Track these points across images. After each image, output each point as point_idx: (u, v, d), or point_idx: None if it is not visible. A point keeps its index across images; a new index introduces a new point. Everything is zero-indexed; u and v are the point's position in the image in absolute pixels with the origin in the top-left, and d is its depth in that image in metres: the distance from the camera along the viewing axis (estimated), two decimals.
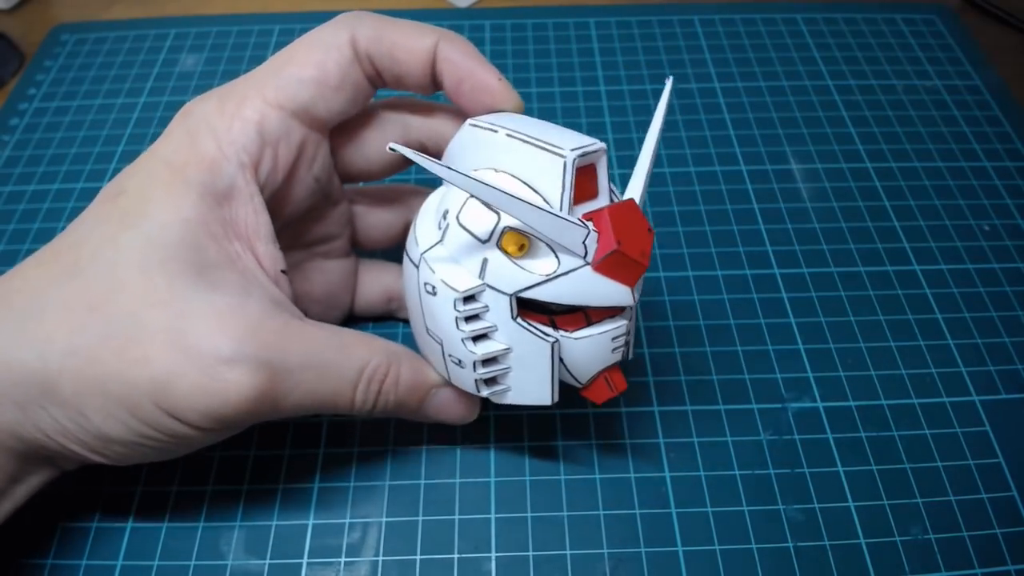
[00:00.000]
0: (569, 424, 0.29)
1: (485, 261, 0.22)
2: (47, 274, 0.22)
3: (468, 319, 0.22)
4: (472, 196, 0.21)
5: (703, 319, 0.32)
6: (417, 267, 0.23)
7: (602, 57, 0.45)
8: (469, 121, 0.24)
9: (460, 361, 0.23)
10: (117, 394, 0.20)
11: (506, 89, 0.25)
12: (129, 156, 0.40)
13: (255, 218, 0.24)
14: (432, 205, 0.25)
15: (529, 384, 0.24)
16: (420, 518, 0.27)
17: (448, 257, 0.22)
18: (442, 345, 0.24)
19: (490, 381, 0.24)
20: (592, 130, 0.40)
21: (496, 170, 0.22)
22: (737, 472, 0.28)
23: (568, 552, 0.26)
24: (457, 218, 0.22)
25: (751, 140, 0.40)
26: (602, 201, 0.22)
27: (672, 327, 0.32)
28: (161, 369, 0.20)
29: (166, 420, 0.21)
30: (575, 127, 0.40)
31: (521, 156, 0.21)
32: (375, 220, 0.31)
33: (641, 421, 0.29)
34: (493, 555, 0.26)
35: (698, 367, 0.31)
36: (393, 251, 0.31)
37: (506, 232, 0.21)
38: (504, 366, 0.23)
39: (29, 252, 0.35)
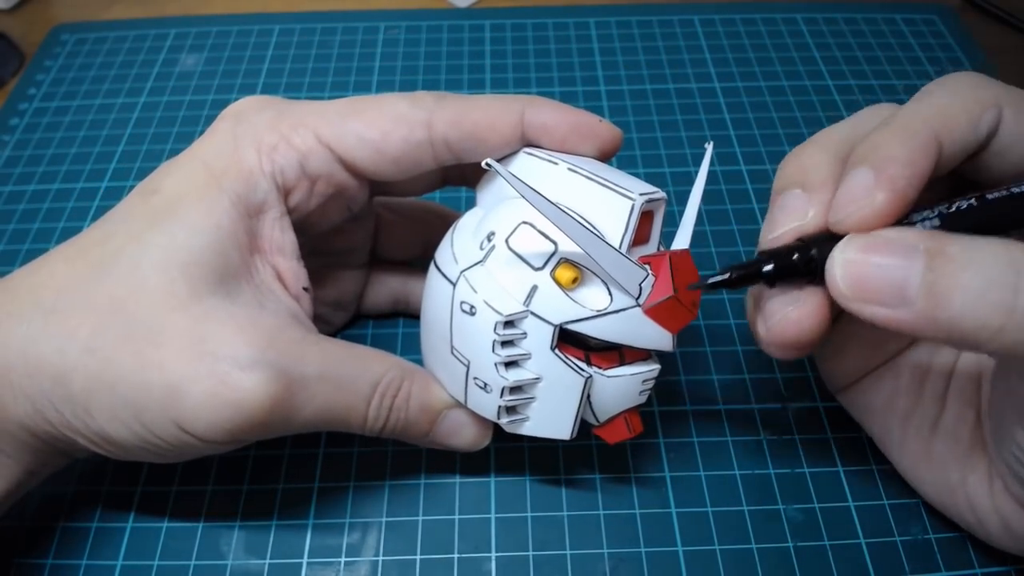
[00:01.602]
0: None
1: (534, 288, 0.21)
2: (73, 270, 0.22)
3: (504, 344, 0.22)
4: (524, 222, 0.21)
5: (703, 319, 0.32)
6: (454, 284, 0.23)
7: (602, 57, 0.45)
8: (525, 149, 0.24)
9: (486, 385, 0.23)
10: (126, 396, 0.20)
11: (609, 128, 0.24)
12: (129, 156, 0.40)
13: (281, 235, 0.24)
14: (470, 223, 0.24)
15: (550, 417, 0.23)
16: (420, 518, 0.27)
17: (490, 278, 0.22)
18: (468, 366, 0.23)
19: (511, 409, 0.23)
20: None
21: (550, 202, 0.22)
22: (737, 472, 0.28)
23: (568, 552, 0.26)
24: (507, 241, 0.22)
25: (751, 140, 0.40)
26: (651, 248, 0.23)
27: None
28: (175, 375, 0.20)
29: (172, 429, 0.21)
30: None
31: (583, 192, 0.22)
32: (398, 235, 0.31)
33: (643, 422, 0.29)
34: (493, 555, 0.26)
35: (698, 367, 0.31)
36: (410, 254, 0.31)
37: (562, 262, 0.21)
38: (529, 396, 0.23)
39: (29, 252, 0.35)
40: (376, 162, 0.24)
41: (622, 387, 0.23)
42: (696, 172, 0.38)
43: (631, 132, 0.40)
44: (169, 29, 0.47)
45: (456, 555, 0.26)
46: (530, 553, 0.26)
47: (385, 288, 0.31)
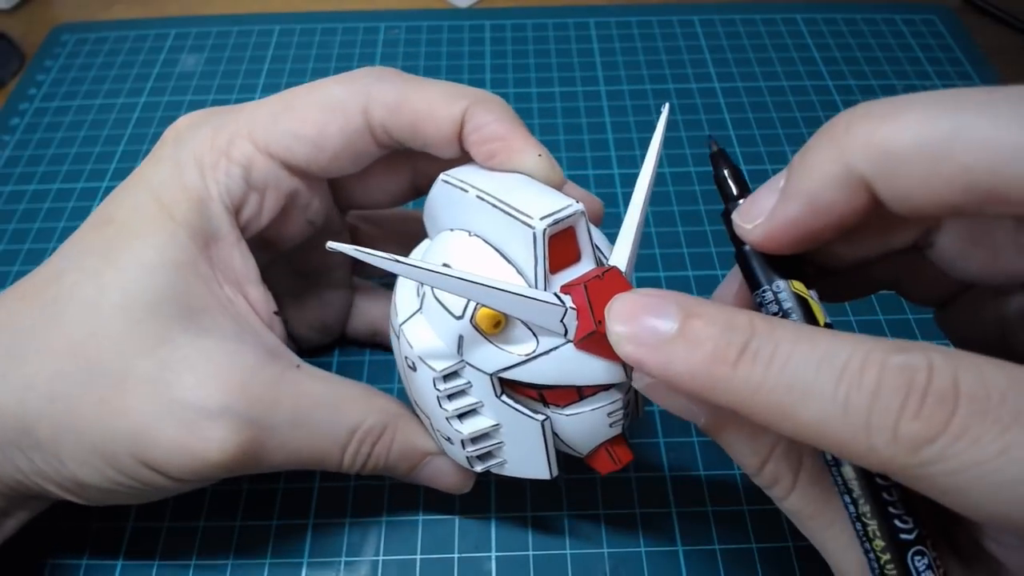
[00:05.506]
0: None
1: (461, 338, 0.19)
2: (28, 309, 0.21)
3: (451, 396, 0.21)
4: (444, 264, 0.20)
5: None
6: (398, 338, 0.22)
7: (602, 57, 0.45)
8: (442, 176, 0.22)
9: (449, 438, 0.22)
10: (93, 443, 0.20)
11: (548, 167, 0.21)
12: (129, 156, 0.40)
13: (243, 263, 0.23)
14: None
15: (524, 458, 0.22)
16: (420, 518, 0.27)
17: (426, 330, 0.20)
18: (430, 420, 0.22)
19: (484, 456, 0.22)
20: (592, 130, 0.40)
21: (470, 233, 0.20)
22: (737, 471, 0.28)
23: (568, 552, 0.26)
24: (432, 289, 0.20)
25: (751, 140, 0.40)
26: (585, 265, 0.20)
27: None
28: (140, 422, 0.20)
29: (143, 471, 0.20)
30: (575, 127, 0.41)
31: (491, 221, 0.20)
32: (378, 248, 0.30)
33: (641, 421, 0.29)
34: (493, 555, 0.26)
35: None
36: (391, 277, 0.30)
37: (479, 308, 0.19)
38: (496, 441, 0.22)
39: (29, 252, 0.35)
40: (316, 158, 0.23)
41: (586, 423, 0.21)
42: (697, 172, 0.39)
43: (631, 132, 0.40)
44: (169, 29, 0.47)
45: (456, 555, 0.26)
46: (530, 553, 0.26)
47: (364, 317, 0.30)
